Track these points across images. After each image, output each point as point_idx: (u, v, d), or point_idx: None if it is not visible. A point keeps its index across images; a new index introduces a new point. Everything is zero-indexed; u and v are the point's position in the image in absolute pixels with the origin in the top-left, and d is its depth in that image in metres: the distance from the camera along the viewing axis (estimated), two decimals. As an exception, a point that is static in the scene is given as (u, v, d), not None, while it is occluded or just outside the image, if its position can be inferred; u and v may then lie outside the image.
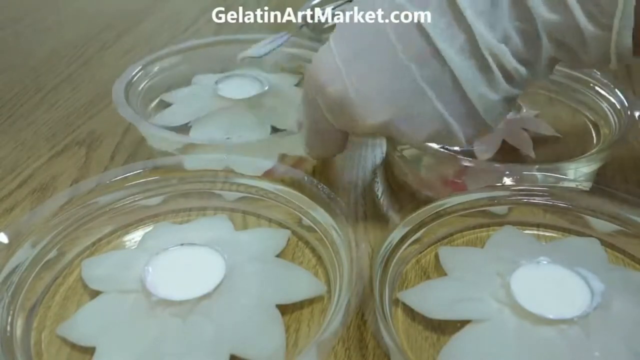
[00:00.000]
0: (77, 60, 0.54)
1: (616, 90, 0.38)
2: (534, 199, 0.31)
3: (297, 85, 0.45)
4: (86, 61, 0.54)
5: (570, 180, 0.31)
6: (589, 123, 0.40)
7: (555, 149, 0.37)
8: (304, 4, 0.54)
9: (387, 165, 0.38)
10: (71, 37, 0.59)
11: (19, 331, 0.25)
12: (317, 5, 0.55)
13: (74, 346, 0.25)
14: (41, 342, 0.26)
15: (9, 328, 0.25)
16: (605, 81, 0.39)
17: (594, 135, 0.39)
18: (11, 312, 0.26)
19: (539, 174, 0.31)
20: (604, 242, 0.30)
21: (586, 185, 0.31)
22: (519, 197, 0.31)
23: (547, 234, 0.31)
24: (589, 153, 0.35)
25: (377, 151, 0.40)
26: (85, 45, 0.57)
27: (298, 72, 0.47)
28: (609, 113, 0.38)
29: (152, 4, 0.68)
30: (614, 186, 0.30)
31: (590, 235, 0.30)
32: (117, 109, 0.36)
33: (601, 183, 0.30)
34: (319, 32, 0.53)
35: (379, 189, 0.36)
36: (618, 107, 0.37)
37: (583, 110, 0.41)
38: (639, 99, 0.38)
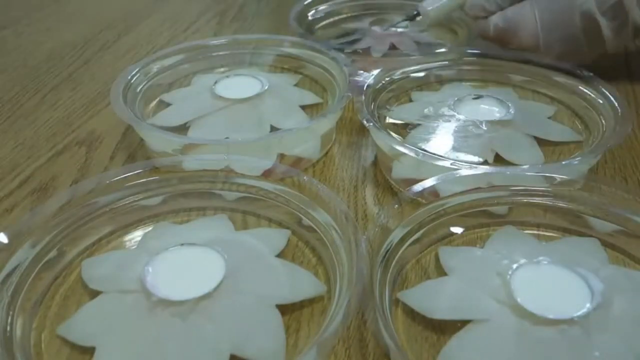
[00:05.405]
0: (77, 60, 0.54)
1: (609, 95, 0.38)
2: (534, 199, 0.31)
3: (296, 85, 0.45)
4: (86, 61, 0.54)
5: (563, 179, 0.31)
6: (580, 125, 0.39)
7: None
8: (298, 2, 0.54)
9: (386, 165, 0.38)
10: (71, 37, 0.59)
11: (19, 331, 0.25)
12: (310, 4, 0.55)
13: (74, 346, 0.25)
14: (41, 342, 0.26)
15: (9, 328, 0.25)
16: (599, 86, 0.39)
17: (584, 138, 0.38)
18: (11, 312, 0.26)
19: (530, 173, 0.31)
20: (604, 242, 0.30)
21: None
22: (519, 197, 0.31)
23: (547, 234, 0.31)
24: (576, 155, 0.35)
25: (376, 151, 0.40)
26: (85, 45, 0.57)
27: (297, 72, 0.47)
28: (599, 120, 0.38)
29: (152, 4, 0.68)
30: (613, 186, 0.30)
31: (590, 235, 0.30)
32: (115, 110, 0.36)
33: (600, 183, 0.30)
34: (310, 31, 0.53)
35: (379, 188, 0.36)
36: (610, 112, 0.37)
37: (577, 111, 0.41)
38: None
